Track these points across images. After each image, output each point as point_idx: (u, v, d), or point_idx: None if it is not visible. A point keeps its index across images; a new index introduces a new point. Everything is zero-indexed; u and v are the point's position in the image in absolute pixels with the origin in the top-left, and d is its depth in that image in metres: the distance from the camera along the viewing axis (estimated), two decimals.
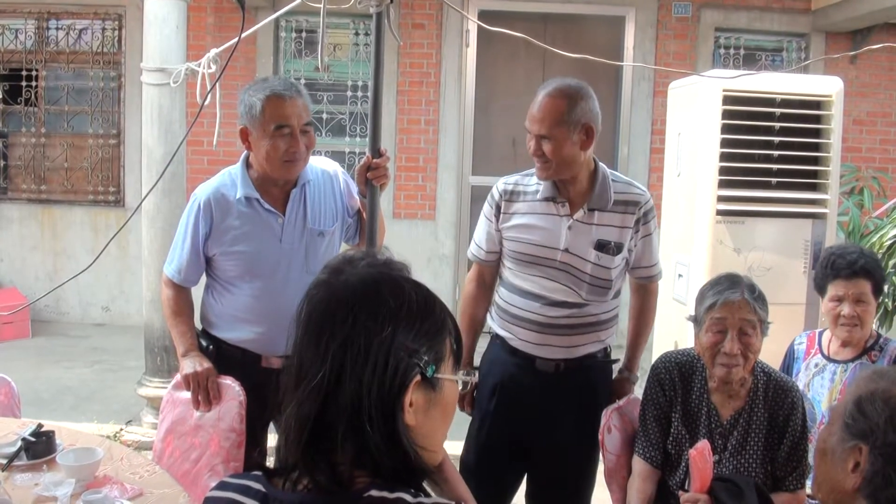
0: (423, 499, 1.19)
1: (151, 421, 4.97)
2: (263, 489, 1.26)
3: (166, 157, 4.59)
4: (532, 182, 2.83)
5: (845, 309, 2.98)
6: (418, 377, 1.23)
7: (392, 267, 1.31)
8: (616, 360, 2.98)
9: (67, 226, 7.48)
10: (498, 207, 2.85)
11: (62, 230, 7.49)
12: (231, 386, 2.74)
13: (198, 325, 2.95)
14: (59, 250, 7.48)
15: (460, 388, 1.33)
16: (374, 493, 1.18)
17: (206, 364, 2.78)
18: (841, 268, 3.01)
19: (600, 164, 2.80)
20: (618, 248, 2.77)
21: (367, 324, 1.21)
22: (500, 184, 2.88)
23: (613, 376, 3.00)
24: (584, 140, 2.67)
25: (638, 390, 2.88)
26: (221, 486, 1.31)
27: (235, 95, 5.52)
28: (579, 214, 2.75)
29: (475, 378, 1.35)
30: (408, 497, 1.18)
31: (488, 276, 3.00)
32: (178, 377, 2.83)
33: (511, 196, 2.84)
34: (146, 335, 5.01)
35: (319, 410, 1.20)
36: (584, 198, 2.76)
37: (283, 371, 1.29)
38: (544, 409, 2.79)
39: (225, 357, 2.87)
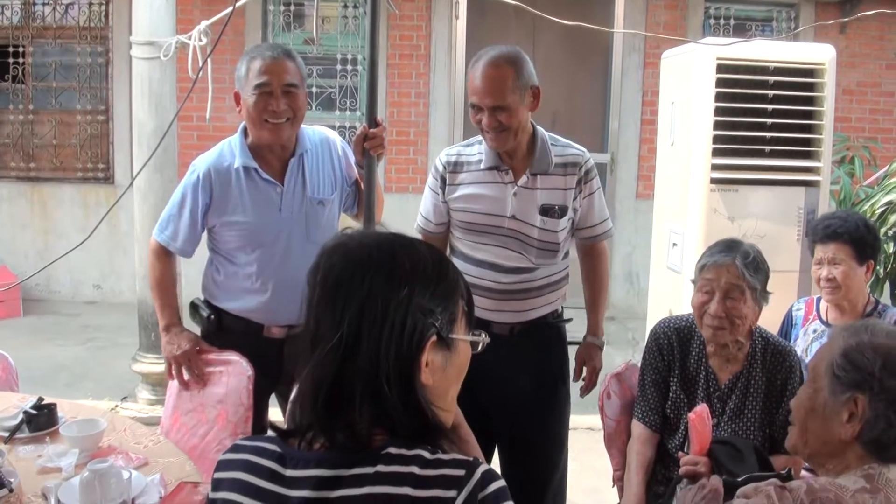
0: (441, 455, 1.20)
1: (147, 397, 4.98)
2: (279, 449, 1.26)
3: (157, 131, 4.56)
4: (474, 152, 2.83)
5: (823, 271, 3.05)
6: (434, 337, 1.24)
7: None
8: (569, 320, 2.99)
9: (57, 204, 7.44)
10: (443, 179, 2.85)
11: (52, 208, 7.45)
12: (239, 361, 2.75)
13: (200, 295, 2.96)
14: (49, 228, 7.44)
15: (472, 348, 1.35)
16: (392, 450, 1.20)
17: (186, 345, 2.79)
18: (818, 232, 3.11)
19: (538, 127, 2.82)
20: (562, 211, 2.79)
21: (385, 286, 1.23)
22: (443, 155, 2.88)
23: (580, 341, 3.05)
24: (532, 102, 2.69)
25: (636, 357, 2.90)
26: (235, 448, 1.32)
27: (224, 69, 5.49)
28: (523, 180, 2.76)
29: (487, 338, 1.37)
30: (426, 454, 1.20)
31: (438, 247, 3.01)
32: None
33: (455, 167, 2.84)
34: (140, 311, 5.01)
35: (336, 372, 1.21)
36: (525, 163, 2.78)
37: (296, 336, 1.30)
38: (500, 370, 2.72)
39: (227, 327, 2.88)
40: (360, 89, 7.42)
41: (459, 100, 7.31)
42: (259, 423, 2.78)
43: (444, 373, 1.28)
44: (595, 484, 3.75)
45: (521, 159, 2.78)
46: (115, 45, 7.23)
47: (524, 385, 2.83)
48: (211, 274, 2.92)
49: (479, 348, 1.35)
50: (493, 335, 2.79)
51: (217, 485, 1.29)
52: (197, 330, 2.94)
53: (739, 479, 2.26)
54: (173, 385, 2.89)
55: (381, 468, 1.18)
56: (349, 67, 7.34)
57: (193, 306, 2.96)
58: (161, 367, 4.83)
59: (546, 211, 2.77)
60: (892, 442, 1.58)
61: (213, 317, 2.89)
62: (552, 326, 2.94)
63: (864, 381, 1.60)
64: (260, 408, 2.82)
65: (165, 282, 2.90)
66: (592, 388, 3.05)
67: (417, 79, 7.38)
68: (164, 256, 2.88)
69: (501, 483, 1.20)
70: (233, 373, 2.77)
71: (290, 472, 1.23)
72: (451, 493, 1.16)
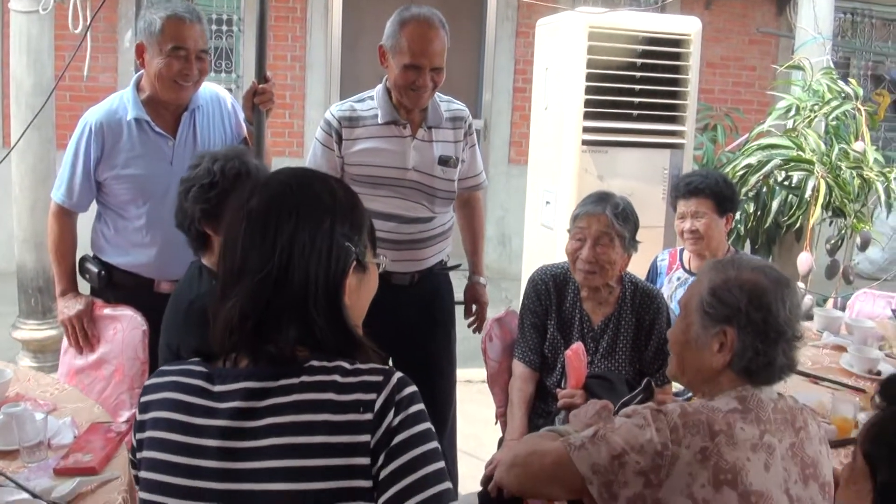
0: (359, 365, 1.33)
1: (28, 364, 4.85)
2: (205, 369, 1.36)
3: (36, 89, 4.46)
4: (367, 107, 2.95)
5: (686, 224, 3.33)
6: (354, 262, 1.38)
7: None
8: (457, 266, 3.20)
9: None
10: (338, 134, 2.92)
11: None
12: (133, 316, 2.76)
13: (89, 252, 2.96)
14: None
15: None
16: (314, 362, 1.31)
17: (79, 306, 2.82)
18: (681, 188, 3.39)
19: None
20: (457, 161, 3.01)
21: (310, 219, 1.35)
22: (335, 110, 2.96)
23: (466, 284, 3.30)
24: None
25: (515, 303, 3.09)
26: (161, 373, 1.40)
27: (97, 27, 5.32)
28: (421, 133, 2.93)
29: (387, 259, 1.54)
30: (346, 364, 1.32)
31: None
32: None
33: (350, 122, 2.93)
34: (19, 276, 4.87)
35: (266, 301, 1.32)
36: (420, 117, 2.94)
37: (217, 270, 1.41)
38: (401, 318, 2.91)
39: (117, 283, 2.90)
40: (236, 51, 7.35)
41: (336, 63, 7.33)
42: None
43: (358, 293, 1.42)
44: (475, 430, 3.95)
45: (416, 113, 2.92)
46: None
47: (422, 330, 3.04)
48: (100, 229, 2.93)
49: (381, 269, 1.49)
50: (393, 286, 2.94)
51: (145, 407, 1.37)
52: (87, 287, 2.95)
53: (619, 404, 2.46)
54: (67, 345, 2.90)
55: (305, 378, 1.30)
56: (224, 28, 7.26)
57: (83, 262, 2.96)
58: (43, 334, 4.77)
59: (444, 161, 2.95)
60: (760, 369, 1.75)
61: (103, 273, 2.90)
62: (443, 274, 3.14)
63: (731, 315, 1.75)
64: (153, 363, 2.86)
65: (64, 246, 2.89)
66: (482, 323, 3.25)
67: (293, 42, 7.35)
68: (63, 217, 2.87)
69: (414, 388, 1.33)
70: (127, 327, 2.78)
71: (218, 388, 1.32)
72: (371, 396, 1.28)
